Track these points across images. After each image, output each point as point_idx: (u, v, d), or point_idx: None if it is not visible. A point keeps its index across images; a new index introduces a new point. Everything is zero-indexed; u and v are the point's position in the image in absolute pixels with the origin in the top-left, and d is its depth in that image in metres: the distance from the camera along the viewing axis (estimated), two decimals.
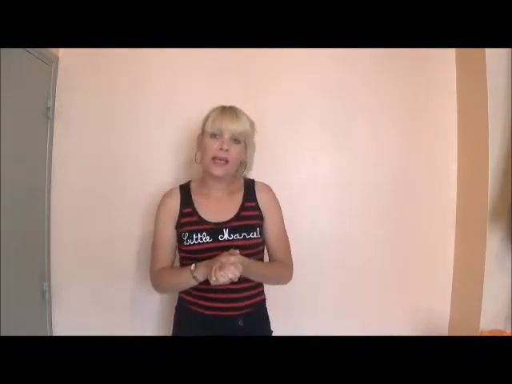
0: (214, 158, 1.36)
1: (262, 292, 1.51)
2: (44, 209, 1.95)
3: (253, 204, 1.45)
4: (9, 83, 1.60)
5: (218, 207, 1.43)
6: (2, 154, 1.59)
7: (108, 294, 1.98)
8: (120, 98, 1.98)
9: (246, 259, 1.28)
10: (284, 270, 1.47)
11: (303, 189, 1.99)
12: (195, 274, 1.29)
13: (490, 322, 1.66)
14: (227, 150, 1.35)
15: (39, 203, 1.93)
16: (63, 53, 1.98)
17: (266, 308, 1.52)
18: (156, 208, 1.48)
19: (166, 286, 1.45)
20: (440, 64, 1.97)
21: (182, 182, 1.54)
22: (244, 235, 1.38)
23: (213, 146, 1.36)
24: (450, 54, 1.96)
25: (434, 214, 1.98)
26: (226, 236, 1.38)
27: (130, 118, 1.98)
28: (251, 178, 1.54)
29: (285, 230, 1.50)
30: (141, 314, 1.99)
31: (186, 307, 1.45)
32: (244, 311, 1.40)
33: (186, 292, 1.44)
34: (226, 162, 1.37)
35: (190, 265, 1.31)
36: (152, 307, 1.99)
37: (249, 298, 1.42)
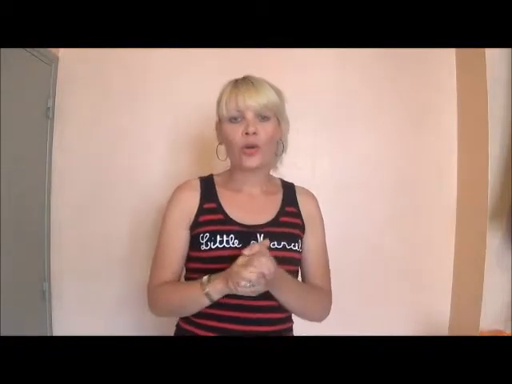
0: (242, 148, 1.05)
1: (291, 317, 1.15)
2: (44, 209, 1.95)
3: (294, 210, 1.15)
4: (9, 83, 1.60)
5: (249, 206, 1.11)
6: (2, 154, 1.59)
7: (108, 294, 1.98)
8: (120, 98, 1.98)
9: (280, 269, 0.97)
10: (325, 301, 1.13)
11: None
12: (208, 288, 0.95)
13: (490, 322, 1.66)
14: (255, 133, 1.04)
15: (39, 203, 1.93)
16: (63, 53, 1.98)
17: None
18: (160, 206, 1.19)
19: (167, 305, 1.07)
20: (440, 64, 1.97)
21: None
22: (284, 245, 1.06)
23: (236, 132, 1.05)
24: (450, 54, 1.96)
25: (434, 213, 1.99)
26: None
27: (130, 118, 1.98)
28: None
29: (327, 250, 1.19)
30: (141, 313, 1.99)
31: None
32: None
33: (187, 319, 1.08)
34: (258, 147, 1.05)
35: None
36: None
37: (276, 323, 1.08)
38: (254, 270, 0.88)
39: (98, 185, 1.99)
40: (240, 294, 0.92)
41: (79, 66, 1.98)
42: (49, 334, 1.97)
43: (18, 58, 1.68)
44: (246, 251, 0.93)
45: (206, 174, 1.19)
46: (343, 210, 1.98)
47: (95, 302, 1.98)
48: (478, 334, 1.66)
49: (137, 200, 1.97)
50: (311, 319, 1.14)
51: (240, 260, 0.92)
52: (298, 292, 1.07)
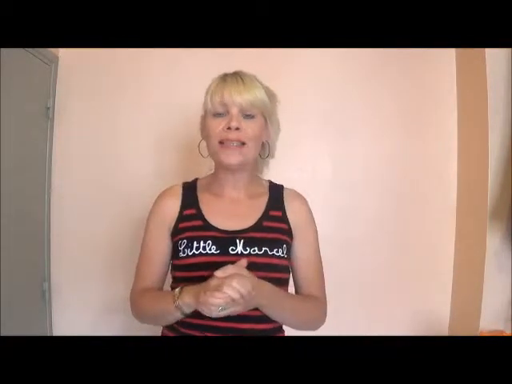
0: (221, 142, 1.01)
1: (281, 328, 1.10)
2: (44, 209, 1.95)
3: (279, 214, 1.09)
4: (9, 83, 1.61)
5: (232, 211, 1.07)
6: (2, 154, 1.59)
7: (108, 294, 1.98)
8: (120, 98, 1.98)
9: (265, 284, 0.94)
10: (320, 311, 1.09)
11: (303, 189, 1.99)
12: (179, 301, 0.92)
13: (489, 322, 1.66)
14: (238, 129, 1.00)
15: (39, 203, 1.93)
16: (63, 53, 1.98)
17: None
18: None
19: (145, 314, 1.06)
20: (440, 64, 1.97)
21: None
22: (265, 250, 1.01)
23: (217, 126, 1.01)
24: (450, 53, 1.96)
25: (434, 213, 1.99)
26: (239, 248, 1.00)
27: (130, 118, 1.98)
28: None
29: (320, 258, 1.12)
30: None
31: None
32: None
33: (170, 327, 1.04)
34: (242, 144, 1.01)
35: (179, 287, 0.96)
36: None
37: (265, 320, 1.02)
38: (222, 296, 0.83)
39: (97, 185, 1.99)
40: (215, 317, 0.87)
41: (79, 66, 1.98)
42: (49, 334, 1.97)
43: (18, 57, 1.68)
44: (219, 273, 0.87)
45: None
46: (343, 209, 1.98)
47: (95, 302, 1.98)
48: (478, 334, 1.66)
49: (137, 199, 1.97)
50: (305, 330, 1.09)
51: (212, 282, 0.86)
52: (292, 307, 1.03)
